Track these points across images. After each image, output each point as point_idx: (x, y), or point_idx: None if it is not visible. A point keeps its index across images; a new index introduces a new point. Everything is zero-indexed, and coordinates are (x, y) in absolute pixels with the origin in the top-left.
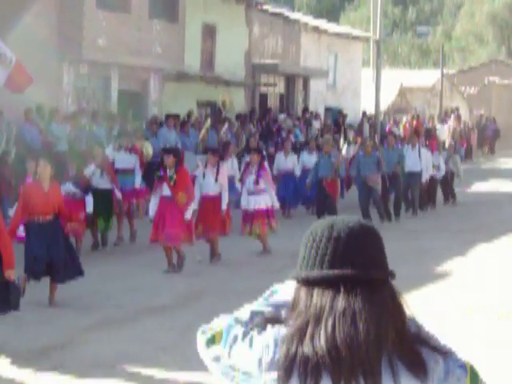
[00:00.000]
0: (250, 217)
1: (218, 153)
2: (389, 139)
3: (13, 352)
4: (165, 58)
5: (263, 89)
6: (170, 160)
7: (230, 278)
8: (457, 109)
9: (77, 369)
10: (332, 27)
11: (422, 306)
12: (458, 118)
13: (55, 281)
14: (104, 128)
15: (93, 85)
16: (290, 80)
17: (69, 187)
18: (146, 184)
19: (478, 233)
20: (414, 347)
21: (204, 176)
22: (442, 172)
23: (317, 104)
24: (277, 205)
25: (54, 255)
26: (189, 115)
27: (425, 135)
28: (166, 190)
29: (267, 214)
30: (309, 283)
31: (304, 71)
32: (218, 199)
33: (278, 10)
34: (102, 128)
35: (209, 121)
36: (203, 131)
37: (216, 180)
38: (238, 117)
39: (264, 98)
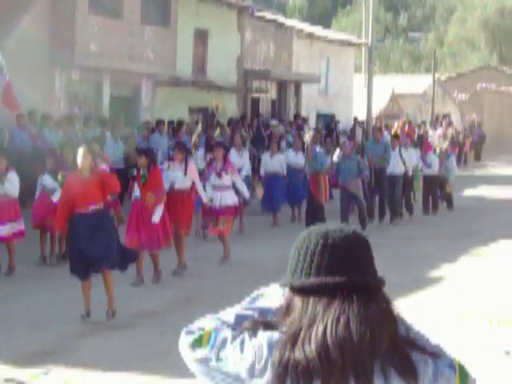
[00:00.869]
0: (215, 214)
1: (185, 148)
2: (375, 132)
3: (4, 357)
4: (157, 64)
5: (255, 94)
6: (142, 160)
7: (221, 282)
8: (448, 115)
9: (68, 374)
10: (324, 33)
11: (416, 311)
12: (450, 124)
13: (105, 269)
14: (97, 133)
15: (85, 90)
16: (281, 85)
17: (46, 181)
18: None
19: (471, 238)
20: (405, 351)
21: (169, 169)
22: (435, 169)
23: (309, 109)
24: (247, 195)
25: (94, 247)
26: (180, 123)
27: (417, 141)
28: (137, 191)
29: (235, 211)
30: (304, 291)
31: (296, 77)
32: (186, 195)
33: (270, 15)
34: (94, 133)
35: (200, 126)
36: (195, 136)
37: (185, 174)
38: (230, 122)
39: (256, 103)
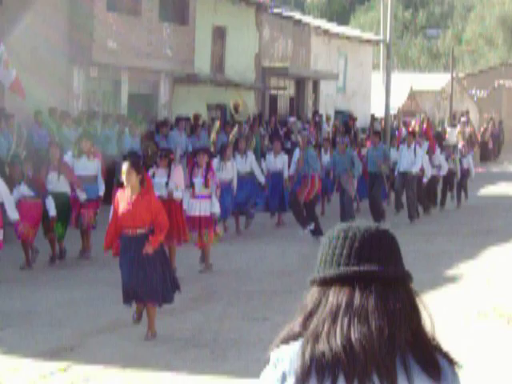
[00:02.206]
0: (196, 223)
1: (168, 156)
2: (373, 138)
3: (23, 354)
4: (175, 61)
5: (273, 92)
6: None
7: (239, 280)
8: (467, 112)
9: (87, 371)
10: (342, 30)
11: (433, 309)
12: (467, 121)
13: (142, 302)
14: (115, 131)
15: (103, 88)
16: (299, 83)
17: (23, 189)
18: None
19: (488, 236)
20: (429, 348)
21: (154, 176)
22: (444, 171)
23: (327, 107)
24: (217, 211)
25: (135, 276)
26: (196, 118)
27: (435, 138)
28: None
29: (214, 221)
30: (325, 283)
31: (314, 74)
32: (173, 203)
33: (288, 12)
34: (113, 131)
35: (217, 123)
36: (213, 134)
37: (167, 184)
38: (248, 120)
39: (274, 100)
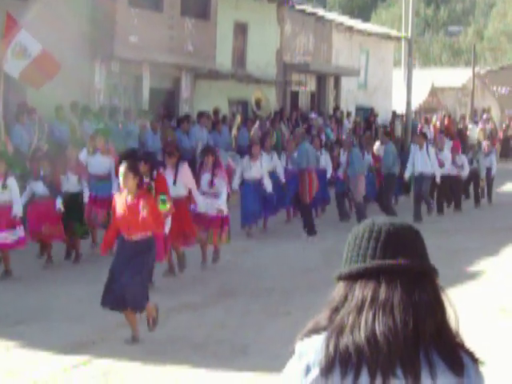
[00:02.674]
0: (205, 222)
1: (175, 154)
2: (381, 136)
3: (44, 348)
4: (196, 56)
5: (294, 87)
6: (142, 168)
7: (260, 276)
8: (489, 109)
9: (107, 365)
10: (364, 26)
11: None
12: (488, 118)
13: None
14: (137, 125)
15: (124, 82)
16: (321, 79)
17: (38, 187)
18: None
19: (510, 233)
20: (453, 344)
21: None
22: (466, 171)
23: (348, 103)
24: (224, 209)
25: (125, 282)
26: (215, 112)
27: (457, 135)
28: None
29: (222, 222)
30: (352, 278)
31: (335, 70)
32: (182, 203)
33: (309, 8)
34: (135, 125)
35: (238, 118)
36: (234, 130)
37: (174, 183)
38: (269, 115)
39: (295, 96)
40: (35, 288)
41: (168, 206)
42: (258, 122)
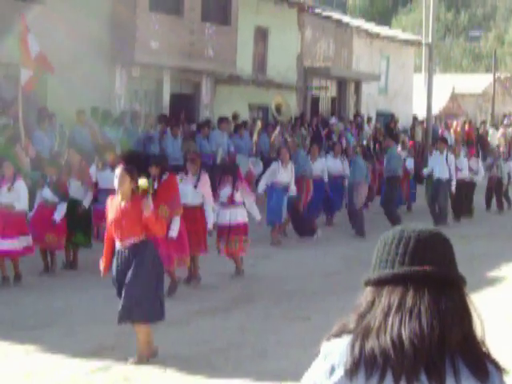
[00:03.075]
0: (226, 232)
1: (199, 161)
2: (386, 141)
3: (64, 352)
4: (217, 61)
5: (315, 92)
6: (153, 170)
7: (281, 281)
8: (510, 114)
9: (128, 369)
10: (384, 31)
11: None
12: (510, 124)
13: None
14: (158, 131)
15: (145, 87)
16: (341, 84)
17: (46, 193)
18: None
19: None
20: (479, 351)
21: (182, 181)
22: (480, 177)
23: (368, 108)
24: (258, 217)
25: (129, 294)
26: (234, 117)
27: (477, 141)
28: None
29: (245, 230)
30: (380, 283)
31: (356, 75)
32: (198, 212)
33: (330, 13)
34: (155, 131)
35: (259, 124)
36: (255, 136)
37: (195, 187)
38: (289, 120)
39: (316, 101)
40: (53, 292)
41: (167, 213)
42: (278, 128)
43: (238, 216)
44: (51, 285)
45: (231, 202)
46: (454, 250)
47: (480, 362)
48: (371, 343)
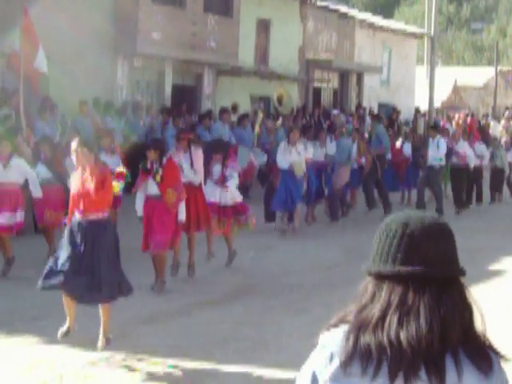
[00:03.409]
0: (216, 210)
1: (187, 138)
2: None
3: (65, 344)
4: (219, 53)
5: (317, 84)
6: (151, 154)
7: (281, 272)
8: (511, 107)
9: (128, 361)
10: (387, 23)
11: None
12: (511, 115)
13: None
14: (159, 121)
15: (147, 78)
16: (343, 76)
17: (40, 170)
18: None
19: None
20: (480, 342)
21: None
22: (486, 160)
23: (370, 100)
24: (238, 198)
25: (82, 276)
26: (233, 108)
27: (479, 132)
28: (151, 188)
29: (236, 210)
30: (380, 277)
31: (358, 67)
32: (198, 190)
33: (332, 5)
34: (157, 121)
35: (260, 114)
36: (257, 127)
37: (191, 165)
38: (291, 112)
39: (317, 93)
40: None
41: (175, 196)
42: (280, 119)
43: (227, 198)
44: None
45: (221, 181)
46: (456, 243)
47: (482, 352)
48: (367, 338)
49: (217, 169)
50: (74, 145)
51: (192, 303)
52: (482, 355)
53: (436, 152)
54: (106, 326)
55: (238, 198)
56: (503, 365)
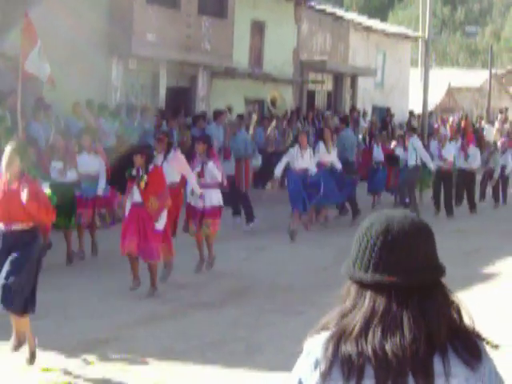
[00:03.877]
0: (198, 214)
1: (165, 139)
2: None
3: (59, 344)
4: (213, 55)
5: (311, 86)
6: (138, 160)
7: (275, 274)
8: (506, 109)
9: (123, 362)
10: (381, 26)
11: (470, 306)
12: (505, 119)
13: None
14: (153, 124)
15: (141, 80)
16: (337, 78)
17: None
18: (117, 190)
19: None
20: (468, 335)
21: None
22: (478, 163)
23: (364, 103)
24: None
25: (10, 278)
26: (228, 110)
27: (474, 135)
28: (136, 195)
29: (219, 212)
30: (363, 285)
31: (352, 69)
32: (179, 191)
33: (327, 7)
34: (152, 123)
35: (254, 117)
36: (251, 129)
37: (161, 164)
38: (285, 114)
39: (312, 95)
40: (51, 283)
41: (157, 205)
42: (274, 122)
43: (212, 199)
44: (47, 276)
45: (202, 175)
46: (435, 242)
47: (470, 343)
48: (349, 347)
49: (197, 168)
50: (7, 150)
51: (186, 305)
52: (471, 347)
53: (412, 153)
54: (19, 335)
55: (217, 202)
56: (490, 351)
